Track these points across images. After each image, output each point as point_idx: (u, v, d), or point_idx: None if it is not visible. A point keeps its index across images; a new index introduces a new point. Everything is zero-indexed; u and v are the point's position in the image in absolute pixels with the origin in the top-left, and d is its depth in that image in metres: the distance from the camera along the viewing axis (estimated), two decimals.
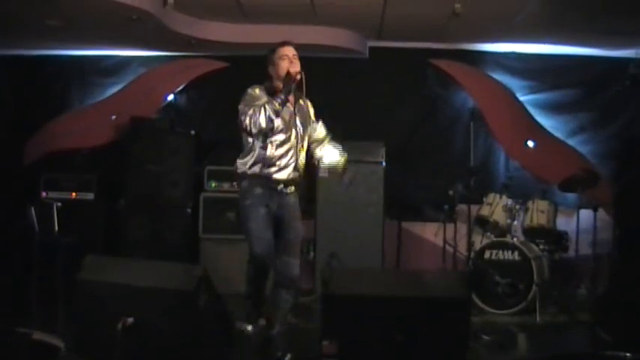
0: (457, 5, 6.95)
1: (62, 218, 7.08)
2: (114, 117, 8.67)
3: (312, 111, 5.33)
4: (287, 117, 5.00)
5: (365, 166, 7.82)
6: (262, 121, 4.80)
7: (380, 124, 8.55)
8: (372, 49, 8.76)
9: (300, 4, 7.26)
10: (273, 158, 5.00)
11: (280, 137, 5.00)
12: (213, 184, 8.05)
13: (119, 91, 9.00)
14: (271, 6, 7.37)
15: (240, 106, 4.91)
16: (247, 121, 4.81)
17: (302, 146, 5.16)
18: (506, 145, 8.57)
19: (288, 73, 4.92)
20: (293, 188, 5.14)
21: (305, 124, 5.19)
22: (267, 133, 4.94)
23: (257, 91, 4.99)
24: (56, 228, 7.00)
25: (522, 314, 6.91)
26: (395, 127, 8.55)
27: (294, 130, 5.06)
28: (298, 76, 4.94)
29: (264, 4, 7.30)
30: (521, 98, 8.68)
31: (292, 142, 5.06)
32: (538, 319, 6.68)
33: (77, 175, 8.16)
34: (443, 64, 8.69)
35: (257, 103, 4.86)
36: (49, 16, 7.21)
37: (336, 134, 5.60)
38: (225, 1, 7.16)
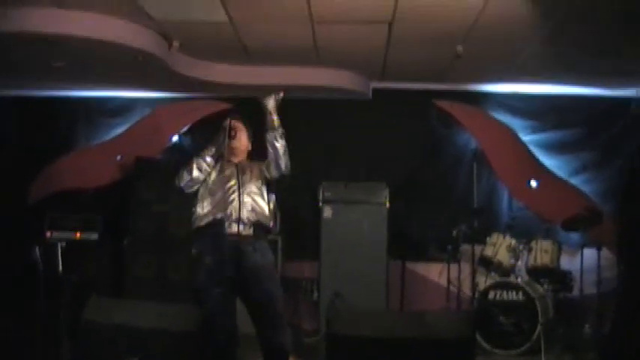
0: (459, 47, 7.02)
1: (67, 258, 7.10)
2: (119, 157, 8.71)
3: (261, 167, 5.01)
4: (227, 174, 4.89)
5: (368, 206, 7.88)
6: (185, 175, 4.84)
7: (383, 164, 8.58)
8: (375, 90, 8.81)
9: (304, 47, 7.33)
10: (207, 214, 4.77)
11: (215, 194, 4.81)
12: None
13: (124, 131, 9.06)
14: (275, 49, 7.45)
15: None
16: (180, 173, 4.88)
17: (251, 198, 4.82)
18: (510, 184, 8.58)
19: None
20: (250, 242, 4.73)
21: (257, 176, 4.93)
22: (193, 189, 4.86)
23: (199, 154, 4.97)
24: (60, 268, 7.01)
25: (527, 354, 6.88)
26: (398, 168, 8.59)
27: (235, 184, 4.83)
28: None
29: (268, 46, 7.38)
30: (524, 138, 8.71)
31: (232, 194, 4.78)
32: (543, 358, 6.65)
33: (82, 215, 8.16)
34: (445, 104, 8.74)
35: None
36: (54, 58, 7.28)
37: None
38: (229, 43, 7.23)
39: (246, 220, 4.73)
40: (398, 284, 8.09)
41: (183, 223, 7.92)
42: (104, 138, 9.10)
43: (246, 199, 4.79)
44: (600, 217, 7.39)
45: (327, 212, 7.91)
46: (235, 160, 5.03)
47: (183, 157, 8.58)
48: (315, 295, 7.88)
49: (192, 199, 4.88)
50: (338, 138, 8.63)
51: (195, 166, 4.86)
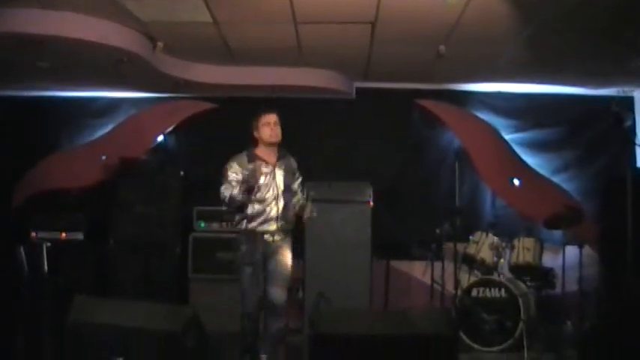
0: (441, 47, 7.07)
1: (51, 258, 7.09)
2: (104, 157, 8.68)
3: (294, 167, 5.99)
4: (265, 177, 5.70)
5: (352, 205, 7.85)
6: (238, 198, 5.60)
7: (367, 164, 8.62)
8: (359, 90, 8.85)
9: (288, 48, 7.36)
10: (254, 215, 5.66)
11: (259, 196, 5.67)
12: (202, 225, 8.11)
13: (109, 131, 9.04)
14: (259, 49, 7.47)
15: (221, 188, 5.68)
16: (227, 200, 5.65)
17: (285, 198, 5.78)
18: (492, 183, 8.63)
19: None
20: (279, 237, 5.74)
21: (288, 177, 5.85)
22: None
23: (232, 167, 5.72)
24: (45, 268, 7.01)
25: (509, 351, 6.92)
26: (382, 167, 8.63)
27: (273, 188, 5.72)
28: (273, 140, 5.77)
29: (252, 47, 7.40)
30: (506, 137, 8.78)
31: (271, 198, 5.70)
32: (525, 356, 6.71)
33: (67, 216, 8.16)
34: (429, 104, 8.78)
35: (233, 183, 5.63)
36: (39, 58, 7.27)
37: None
38: (213, 44, 7.25)
39: (279, 224, 5.73)
40: (382, 283, 8.12)
41: (167, 223, 8.00)
42: (89, 138, 9.08)
43: (280, 204, 5.73)
44: (581, 215, 7.46)
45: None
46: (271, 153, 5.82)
47: (168, 157, 8.64)
48: (300, 294, 7.88)
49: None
50: (321, 137, 8.65)
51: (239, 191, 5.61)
